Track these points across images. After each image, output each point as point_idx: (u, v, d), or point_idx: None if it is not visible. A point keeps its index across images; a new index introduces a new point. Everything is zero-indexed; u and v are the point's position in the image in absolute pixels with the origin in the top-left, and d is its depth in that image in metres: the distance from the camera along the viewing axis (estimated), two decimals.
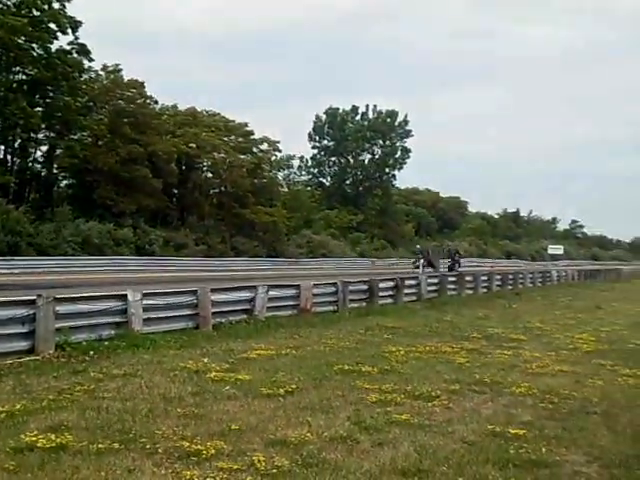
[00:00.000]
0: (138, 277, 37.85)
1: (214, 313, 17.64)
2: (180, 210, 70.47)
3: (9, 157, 60.52)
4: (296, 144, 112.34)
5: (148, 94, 65.75)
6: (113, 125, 61.48)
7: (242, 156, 73.81)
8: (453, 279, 33.45)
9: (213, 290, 17.99)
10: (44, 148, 62.42)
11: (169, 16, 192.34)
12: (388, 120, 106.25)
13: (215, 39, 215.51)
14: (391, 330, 18.81)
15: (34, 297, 13.61)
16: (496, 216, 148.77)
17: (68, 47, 57.92)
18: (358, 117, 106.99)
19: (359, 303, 24.09)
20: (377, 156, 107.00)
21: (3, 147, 59.50)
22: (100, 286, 27.80)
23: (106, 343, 14.44)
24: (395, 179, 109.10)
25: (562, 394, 11.32)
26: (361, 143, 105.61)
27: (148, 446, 7.80)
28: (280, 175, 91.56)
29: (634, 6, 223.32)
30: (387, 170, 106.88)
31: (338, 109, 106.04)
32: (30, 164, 62.32)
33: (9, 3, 54.72)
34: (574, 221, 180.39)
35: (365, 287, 24.97)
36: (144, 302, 15.89)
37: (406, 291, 27.41)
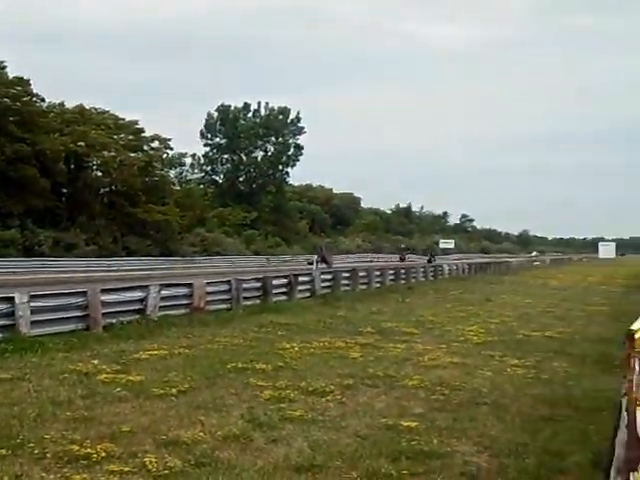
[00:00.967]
0: (26, 279, 36.91)
1: (105, 314, 17.31)
2: (70, 210, 68.81)
3: None
4: (188, 142, 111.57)
5: (34, 91, 64.10)
6: None
7: (133, 154, 72.64)
8: (347, 274, 33.58)
9: (103, 290, 17.70)
10: None
11: (64, 14, 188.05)
12: (280, 117, 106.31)
13: (108, 36, 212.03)
14: (285, 327, 18.82)
15: None
16: (389, 212, 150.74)
17: None
18: (250, 114, 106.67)
19: (253, 301, 24.01)
20: (270, 153, 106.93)
21: None
22: None
23: None
24: (288, 176, 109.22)
25: (453, 386, 11.51)
26: (254, 140, 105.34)
27: (36, 451, 7.61)
28: (172, 173, 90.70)
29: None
30: (280, 167, 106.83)
31: (230, 106, 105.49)
32: None
33: None
34: (464, 215, 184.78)
35: (259, 284, 24.90)
36: (32, 304, 15.52)
37: (300, 288, 27.45)
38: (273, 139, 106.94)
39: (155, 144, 76.63)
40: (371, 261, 77.71)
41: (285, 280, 26.89)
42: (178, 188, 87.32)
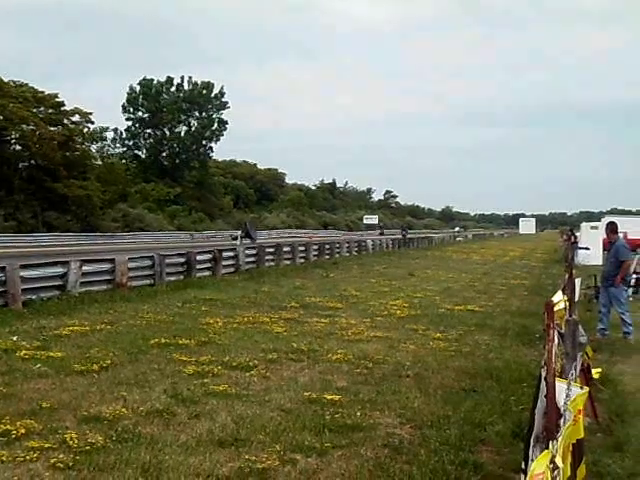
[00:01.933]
0: None
1: (24, 290, 17.00)
2: None
3: None
4: (111, 116, 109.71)
5: None
6: None
7: (53, 128, 71.13)
8: (271, 250, 33.52)
9: (22, 266, 17.34)
10: None
11: None
12: (204, 92, 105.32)
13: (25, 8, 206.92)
14: (209, 302, 18.73)
15: None
16: (313, 188, 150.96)
17: None
18: (173, 89, 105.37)
19: (177, 276, 23.88)
20: (194, 128, 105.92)
21: None
22: None
23: None
24: (212, 151, 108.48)
25: (376, 359, 11.61)
26: (177, 115, 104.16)
27: None
28: (93, 148, 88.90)
29: None
30: (204, 142, 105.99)
31: (152, 80, 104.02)
32: None
33: None
34: (388, 191, 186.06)
35: (183, 260, 24.73)
36: None
37: (224, 263, 27.37)
38: (197, 114, 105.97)
39: (76, 118, 75.11)
40: (310, 237, 75.88)
41: (209, 255, 26.75)
42: (100, 163, 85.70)
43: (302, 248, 37.38)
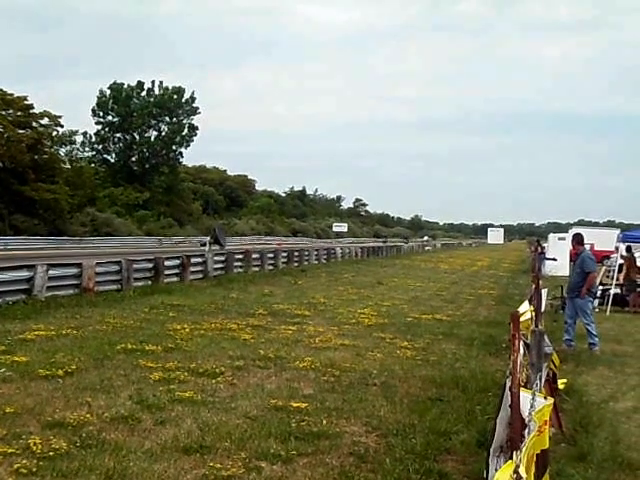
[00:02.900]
0: None
1: None
2: None
3: None
4: (81, 120, 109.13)
5: None
6: None
7: (21, 131, 70.64)
8: (240, 256, 33.45)
9: None
10: None
11: None
12: (175, 97, 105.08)
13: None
14: (177, 308, 18.66)
15: None
16: (283, 194, 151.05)
17: None
18: (144, 93, 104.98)
19: (144, 282, 23.73)
20: (164, 133, 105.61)
21: None
22: None
23: None
24: (182, 157, 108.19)
25: (343, 367, 11.62)
26: (147, 119, 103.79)
27: None
28: (62, 151, 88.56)
29: None
30: (174, 147, 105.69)
31: (123, 84, 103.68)
32: None
33: None
34: (358, 199, 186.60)
35: (150, 265, 24.60)
36: None
37: (192, 269, 27.27)
38: (167, 119, 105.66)
39: (45, 121, 74.68)
40: (279, 244, 75.21)
41: (177, 261, 26.65)
42: (68, 166, 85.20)
43: (271, 255, 37.30)
